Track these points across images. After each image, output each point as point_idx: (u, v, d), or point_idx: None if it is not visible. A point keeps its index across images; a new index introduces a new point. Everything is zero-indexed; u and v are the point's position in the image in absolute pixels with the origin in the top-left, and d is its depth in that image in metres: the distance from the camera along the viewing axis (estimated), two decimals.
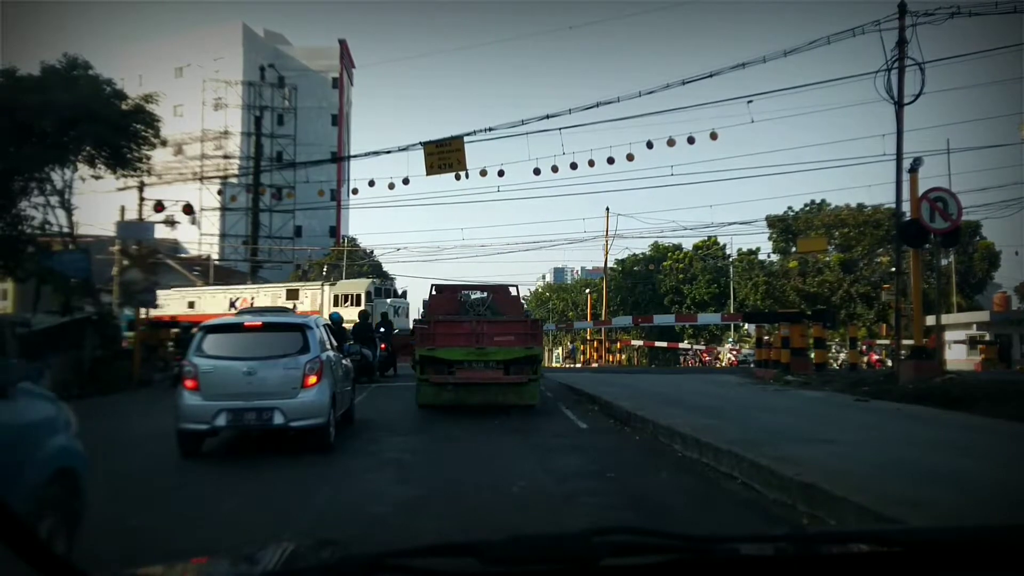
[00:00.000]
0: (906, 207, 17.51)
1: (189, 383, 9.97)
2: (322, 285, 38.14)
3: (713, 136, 23.43)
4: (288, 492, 7.89)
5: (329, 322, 13.76)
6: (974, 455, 8.32)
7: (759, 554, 1.71)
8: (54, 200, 27.00)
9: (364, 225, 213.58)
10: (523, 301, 18.37)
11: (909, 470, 7.19)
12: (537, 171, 24.24)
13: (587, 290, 68.93)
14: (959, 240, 27.10)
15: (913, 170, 17.18)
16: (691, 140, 23.72)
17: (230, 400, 9.83)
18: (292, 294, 36.82)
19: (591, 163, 24.32)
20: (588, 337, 53.06)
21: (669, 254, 67.33)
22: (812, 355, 21.42)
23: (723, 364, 52.33)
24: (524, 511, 7.00)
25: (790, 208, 58.06)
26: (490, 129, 23.45)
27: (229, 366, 10.04)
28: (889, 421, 11.47)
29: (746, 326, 64.52)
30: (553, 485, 8.15)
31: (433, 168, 23.15)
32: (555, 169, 24.27)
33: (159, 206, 29.24)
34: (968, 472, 7.22)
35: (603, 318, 50.30)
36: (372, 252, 65.20)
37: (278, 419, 9.88)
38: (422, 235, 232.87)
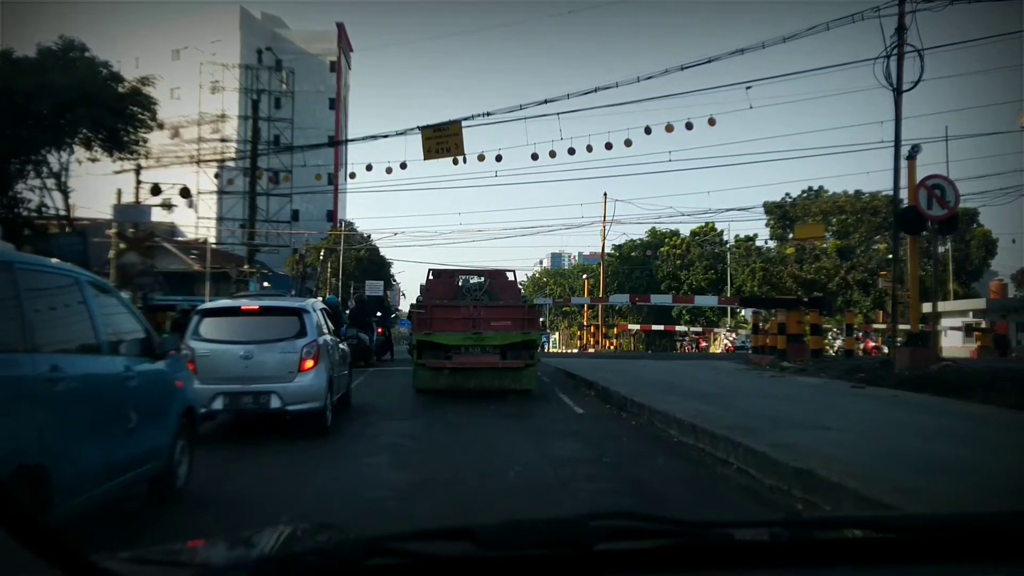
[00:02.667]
0: (904, 194, 17.50)
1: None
2: None
3: (711, 122, 23.38)
4: (285, 476, 7.91)
5: (326, 306, 13.75)
6: (969, 442, 8.36)
7: (755, 539, 1.71)
8: (51, 183, 27.04)
9: (361, 209, 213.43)
10: (520, 286, 18.38)
11: (904, 457, 7.21)
12: (535, 156, 24.18)
13: (584, 275, 68.99)
14: (957, 227, 27.09)
15: (911, 157, 17.14)
16: (689, 126, 23.69)
17: (227, 384, 9.82)
18: None
19: (589, 148, 24.29)
20: (585, 323, 53.13)
21: (666, 240, 67.36)
22: (808, 341, 21.48)
23: (719, 350, 52.40)
24: (521, 496, 7.02)
25: (788, 195, 58.14)
26: (488, 114, 23.35)
27: (226, 350, 10.04)
28: (885, 408, 11.51)
29: (742, 312, 64.73)
30: (550, 470, 8.17)
31: (431, 152, 23.09)
32: (553, 154, 24.21)
33: (156, 189, 29.20)
34: (963, 459, 7.25)
35: (600, 305, 50.32)
36: (369, 236, 65.25)
37: (275, 403, 9.89)
38: (419, 220, 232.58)
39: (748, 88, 21.78)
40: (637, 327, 54.24)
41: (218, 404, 9.80)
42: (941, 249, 40.59)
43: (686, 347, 55.25)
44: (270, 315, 10.68)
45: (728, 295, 59.56)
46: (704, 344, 54.85)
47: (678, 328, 58.07)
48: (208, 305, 11.67)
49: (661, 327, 54.42)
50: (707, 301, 25.98)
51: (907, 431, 9.06)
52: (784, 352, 20.32)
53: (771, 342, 21.78)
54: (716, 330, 57.72)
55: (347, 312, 25.38)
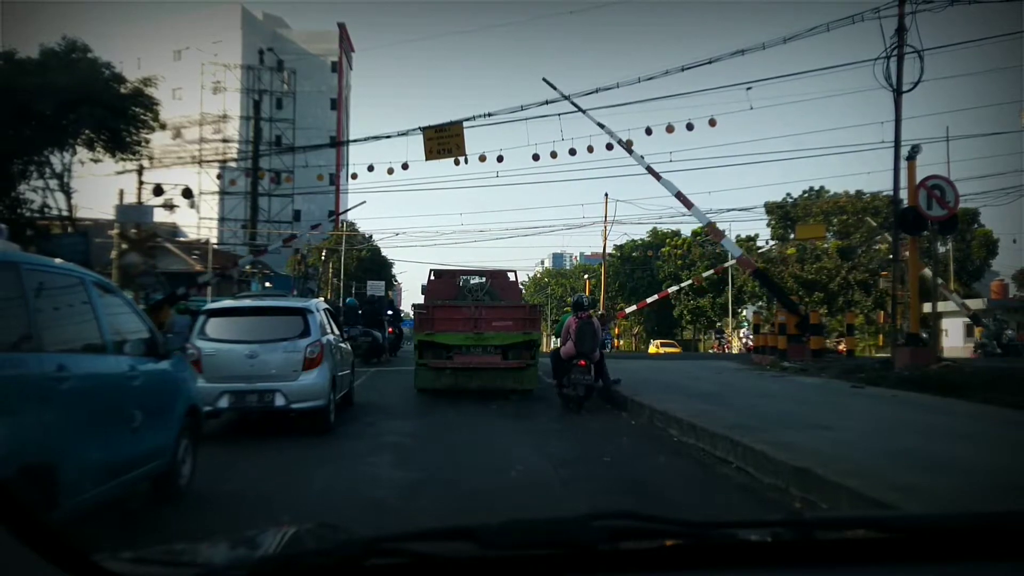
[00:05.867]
0: (904, 194, 17.53)
1: (192, 365, 10.00)
2: None
3: (712, 123, 23.39)
4: (288, 475, 7.94)
5: (344, 307, 13.93)
6: (968, 441, 8.38)
7: (757, 539, 1.71)
8: (53, 183, 27.04)
9: (363, 210, 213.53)
10: (521, 286, 18.43)
11: (903, 456, 7.23)
12: (536, 156, 24.16)
13: (586, 275, 68.97)
14: (957, 228, 27.09)
15: (911, 158, 17.18)
16: (690, 126, 23.70)
17: (232, 382, 9.99)
18: None
19: (590, 149, 24.26)
20: None
21: (668, 240, 67.32)
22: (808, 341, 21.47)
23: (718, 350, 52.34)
24: (522, 495, 7.03)
25: (788, 195, 58.05)
26: (489, 114, 23.38)
27: (231, 349, 10.21)
28: (884, 407, 11.54)
29: (744, 312, 64.69)
30: (550, 469, 8.20)
31: (432, 153, 23.11)
32: (554, 155, 24.21)
33: (158, 190, 29.24)
34: (962, 458, 7.27)
35: (601, 304, 50.31)
36: (371, 237, 65.25)
37: (279, 401, 10.04)
38: (421, 220, 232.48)
39: (749, 89, 21.85)
40: (633, 307, 53.81)
41: (223, 402, 9.95)
42: (942, 249, 40.59)
43: (714, 346, 54.55)
44: (274, 315, 10.90)
45: (730, 295, 59.65)
46: (750, 344, 54.78)
47: (671, 289, 56.90)
48: (214, 305, 11.87)
49: (655, 296, 53.47)
50: (731, 247, 25.15)
51: (906, 430, 9.09)
52: (785, 352, 20.34)
53: (772, 342, 21.81)
54: (743, 326, 57.43)
55: (359, 312, 26.61)
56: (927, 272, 20.88)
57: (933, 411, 11.01)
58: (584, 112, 22.76)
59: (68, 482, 4.50)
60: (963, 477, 6.41)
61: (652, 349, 51.49)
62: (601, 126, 22.79)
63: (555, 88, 22.84)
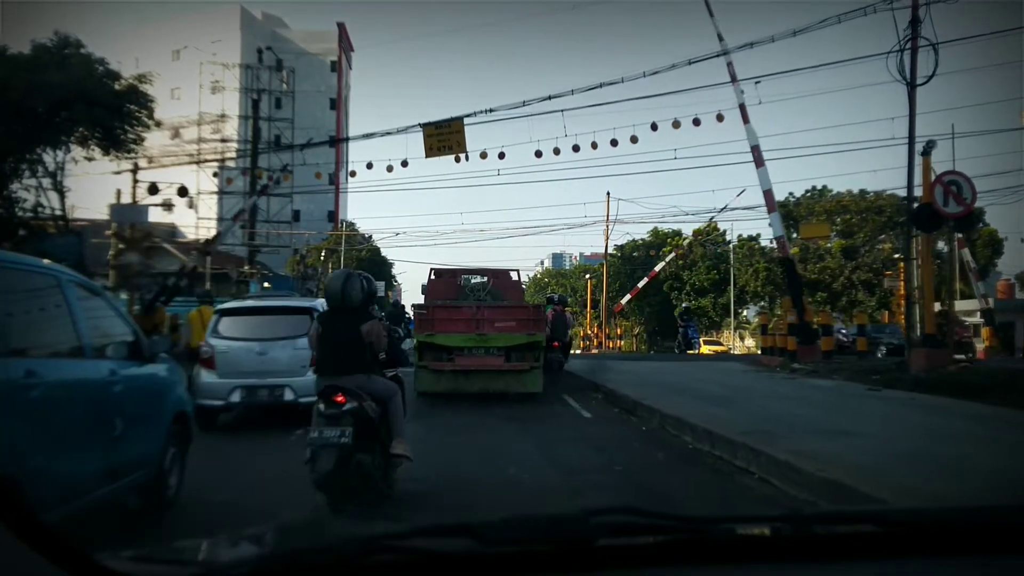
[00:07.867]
0: (918, 191, 17.07)
1: (206, 362, 10.95)
2: None
3: (719, 118, 22.89)
4: (289, 476, 7.57)
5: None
6: (995, 447, 8.15)
7: (757, 534, 1.73)
8: (47, 182, 26.64)
9: (363, 209, 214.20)
10: (522, 287, 18.09)
11: (932, 463, 6.96)
12: (539, 153, 23.73)
13: (587, 275, 68.59)
14: (974, 225, 26.68)
15: (926, 153, 16.72)
16: (696, 122, 23.21)
17: (244, 378, 10.79)
18: None
19: (594, 145, 23.86)
20: (588, 322, 52.74)
21: (669, 240, 66.95)
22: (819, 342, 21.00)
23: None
24: (528, 505, 6.67)
25: (791, 194, 57.54)
26: (491, 111, 22.92)
27: (243, 346, 11.05)
28: (904, 411, 11.16)
29: (745, 313, 64.36)
30: (558, 479, 7.83)
31: (432, 150, 22.72)
32: (557, 152, 23.76)
33: (153, 188, 28.90)
34: (992, 464, 7.04)
35: (603, 304, 50.00)
36: (371, 237, 64.98)
37: (288, 396, 10.77)
38: (421, 219, 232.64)
39: (757, 83, 21.41)
40: (627, 296, 53.40)
41: (236, 397, 10.80)
42: (945, 249, 40.18)
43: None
44: (283, 314, 11.68)
45: (731, 295, 59.27)
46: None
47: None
48: (226, 305, 12.75)
49: (645, 279, 52.91)
50: (776, 224, 24.35)
51: (931, 435, 8.75)
52: (794, 353, 19.87)
53: (780, 343, 21.33)
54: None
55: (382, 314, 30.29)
56: (965, 253, 20.60)
57: (955, 415, 10.68)
58: (727, 52, 21.65)
59: (38, 497, 4.14)
60: (996, 484, 6.22)
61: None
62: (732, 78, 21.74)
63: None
